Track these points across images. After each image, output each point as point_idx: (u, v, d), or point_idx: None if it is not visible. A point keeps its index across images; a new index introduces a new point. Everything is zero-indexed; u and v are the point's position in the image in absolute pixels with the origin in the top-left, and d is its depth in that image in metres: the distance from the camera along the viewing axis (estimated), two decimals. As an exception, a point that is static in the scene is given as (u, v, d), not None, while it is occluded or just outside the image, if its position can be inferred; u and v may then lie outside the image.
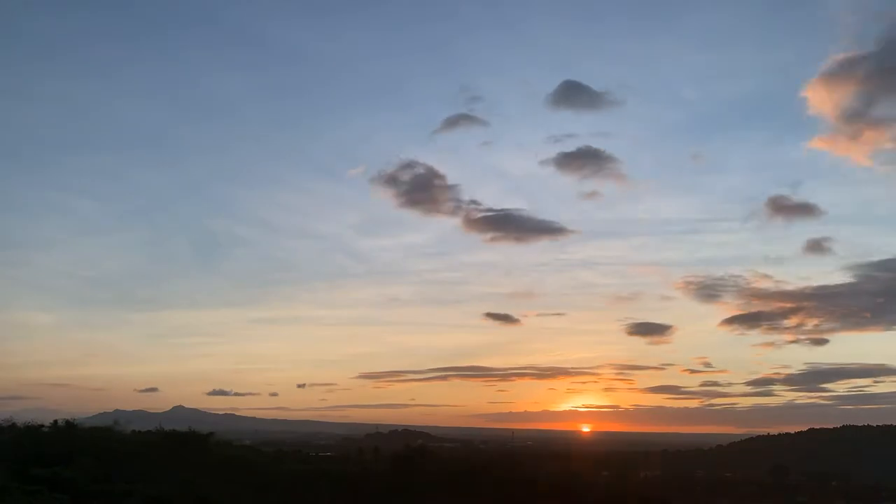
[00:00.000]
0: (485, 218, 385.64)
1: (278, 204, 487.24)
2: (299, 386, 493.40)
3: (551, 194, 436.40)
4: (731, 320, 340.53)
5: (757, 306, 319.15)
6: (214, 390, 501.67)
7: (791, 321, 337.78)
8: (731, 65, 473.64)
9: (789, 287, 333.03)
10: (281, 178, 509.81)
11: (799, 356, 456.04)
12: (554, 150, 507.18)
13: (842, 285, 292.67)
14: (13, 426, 55.86)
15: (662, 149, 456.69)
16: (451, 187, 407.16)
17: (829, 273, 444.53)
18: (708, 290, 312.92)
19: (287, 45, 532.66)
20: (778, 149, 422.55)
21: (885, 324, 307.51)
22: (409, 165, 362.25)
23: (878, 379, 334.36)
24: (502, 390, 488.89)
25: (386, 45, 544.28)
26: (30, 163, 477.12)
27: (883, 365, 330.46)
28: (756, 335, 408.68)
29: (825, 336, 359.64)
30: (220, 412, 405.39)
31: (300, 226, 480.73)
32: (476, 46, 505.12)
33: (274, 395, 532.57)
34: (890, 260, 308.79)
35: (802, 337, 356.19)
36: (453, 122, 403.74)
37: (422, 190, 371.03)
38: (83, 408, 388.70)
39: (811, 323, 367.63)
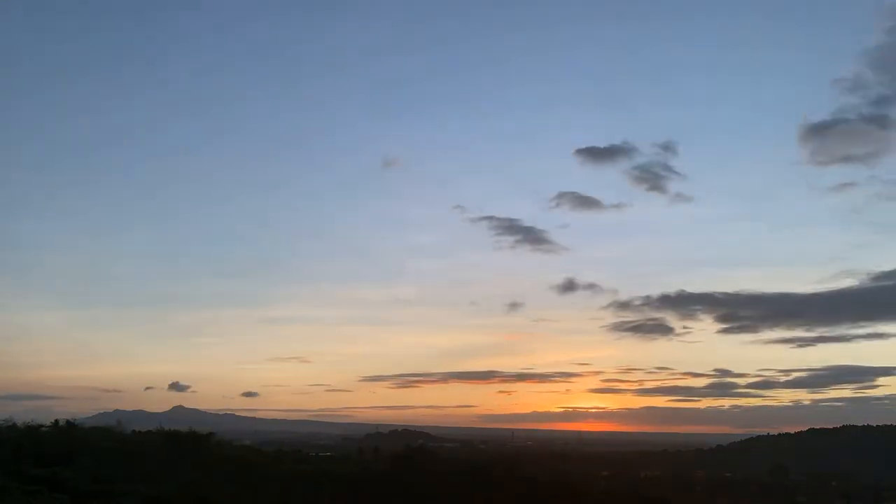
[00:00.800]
0: (488, 222, 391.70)
1: (283, 203, 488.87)
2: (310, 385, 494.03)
3: (556, 205, 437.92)
4: (731, 322, 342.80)
5: (757, 308, 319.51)
6: (214, 390, 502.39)
7: (791, 323, 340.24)
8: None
9: (790, 290, 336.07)
10: (287, 178, 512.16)
11: (800, 357, 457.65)
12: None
13: (841, 289, 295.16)
14: (13, 426, 55.75)
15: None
16: (456, 190, 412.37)
17: (830, 278, 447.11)
18: (707, 294, 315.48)
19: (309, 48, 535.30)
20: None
21: (885, 327, 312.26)
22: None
23: (878, 380, 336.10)
24: (503, 391, 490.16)
25: (392, 44, 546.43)
26: (30, 161, 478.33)
27: (883, 366, 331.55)
28: (756, 337, 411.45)
29: (826, 338, 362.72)
30: (220, 412, 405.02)
31: (305, 226, 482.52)
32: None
33: (254, 395, 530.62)
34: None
35: (803, 338, 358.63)
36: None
37: (427, 191, 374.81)
38: (83, 408, 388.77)
39: (812, 325, 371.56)
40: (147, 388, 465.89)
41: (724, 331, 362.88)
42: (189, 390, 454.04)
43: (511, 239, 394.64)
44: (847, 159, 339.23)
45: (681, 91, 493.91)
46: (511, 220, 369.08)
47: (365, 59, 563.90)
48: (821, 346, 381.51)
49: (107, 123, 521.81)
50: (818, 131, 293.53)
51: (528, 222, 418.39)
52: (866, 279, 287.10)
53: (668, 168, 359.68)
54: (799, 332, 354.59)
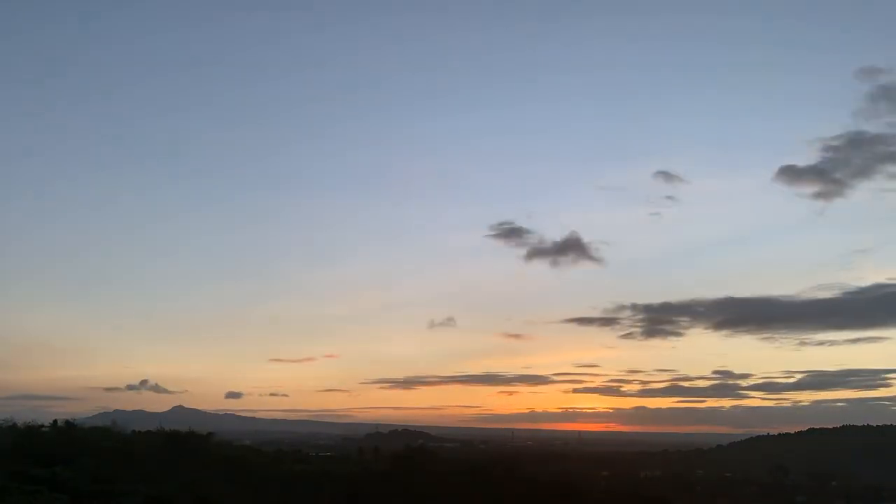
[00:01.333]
0: (493, 228, 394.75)
1: (285, 205, 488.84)
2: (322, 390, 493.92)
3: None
4: (732, 325, 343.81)
5: (758, 311, 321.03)
6: (215, 390, 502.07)
7: (790, 327, 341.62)
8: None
9: (792, 294, 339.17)
10: (290, 178, 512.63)
11: (801, 359, 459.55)
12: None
13: (842, 295, 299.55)
14: (13, 426, 55.70)
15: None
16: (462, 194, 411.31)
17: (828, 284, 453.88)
18: (709, 299, 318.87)
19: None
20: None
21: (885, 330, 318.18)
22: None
23: (877, 381, 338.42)
24: (503, 392, 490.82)
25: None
26: (31, 160, 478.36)
27: (882, 368, 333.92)
28: (756, 338, 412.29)
29: (825, 341, 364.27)
30: (220, 412, 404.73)
31: (307, 227, 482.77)
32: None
33: (255, 395, 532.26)
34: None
35: (803, 341, 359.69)
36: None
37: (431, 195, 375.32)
38: (83, 408, 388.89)
39: (810, 329, 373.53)
40: (147, 388, 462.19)
41: (725, 334, 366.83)
42: (186, 391, 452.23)
43: (513, 245, 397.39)
44: (816, 196, 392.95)
45: (683, 133, 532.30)
46: (517, 228, 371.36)
47: (395, 59, 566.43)
48: (820, 349, 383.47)
49: (108, 122, 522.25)
50: (792, 172, 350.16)
51: (532, 230, 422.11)
52: (838, 292, 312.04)
53: (671, 197, 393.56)
54: (798, 336, 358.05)
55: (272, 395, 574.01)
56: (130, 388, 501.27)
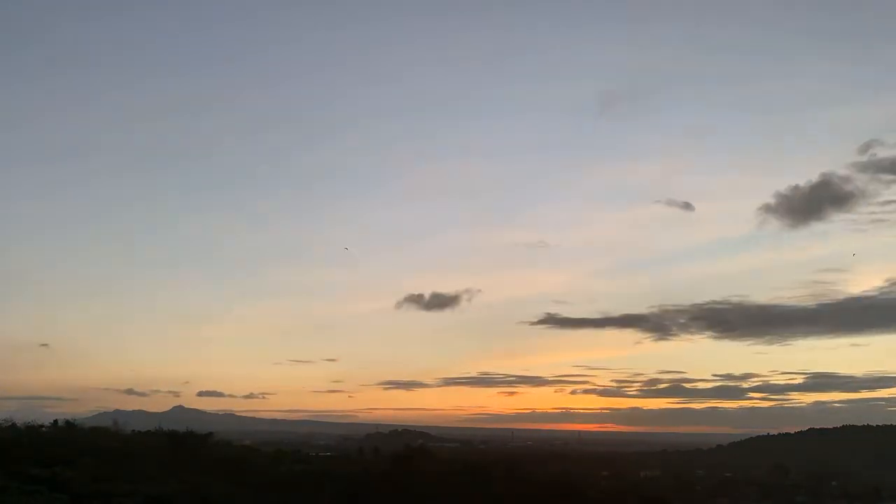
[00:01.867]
0: (498, 232, 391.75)
1: (288, 209, 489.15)
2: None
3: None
4: (732, 328, 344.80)
5: (760, 316, 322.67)
6: (216, 390, 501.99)
7: (793, 329, 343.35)
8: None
9: (792, 299, 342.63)
10: (288, 183, 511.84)
11: (800, 360, 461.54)
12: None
13: (838, 302, 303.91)
14: (13, 426, 55.72)
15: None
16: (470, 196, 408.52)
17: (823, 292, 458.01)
18: (709, 303, 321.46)
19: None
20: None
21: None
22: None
23: (877, 383, 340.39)
24: (503, 392, 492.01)
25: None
26: (33, 161, 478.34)
27: (881, 369, 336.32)
28: (757, 340, 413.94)
29: (826, 343, 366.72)
30: (220, 412, 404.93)
31: (310, 233, 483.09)
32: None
33: (255, 395, 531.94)
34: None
35: (802, 344, 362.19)
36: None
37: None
38: (83, 408, 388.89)
39: (812, 330, 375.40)
40: (147, 388, 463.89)
41: (725, 336, 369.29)
42: (187, 390, 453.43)
43: (516, 249, 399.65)
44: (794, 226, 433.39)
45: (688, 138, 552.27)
46: (520, 232, 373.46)
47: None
48: (819, 352, 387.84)
49: (111, 124, 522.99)
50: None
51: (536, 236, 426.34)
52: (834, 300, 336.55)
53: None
54: (796, 339, 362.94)
55: (272, 395, 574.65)
56: (130, 388, 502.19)
